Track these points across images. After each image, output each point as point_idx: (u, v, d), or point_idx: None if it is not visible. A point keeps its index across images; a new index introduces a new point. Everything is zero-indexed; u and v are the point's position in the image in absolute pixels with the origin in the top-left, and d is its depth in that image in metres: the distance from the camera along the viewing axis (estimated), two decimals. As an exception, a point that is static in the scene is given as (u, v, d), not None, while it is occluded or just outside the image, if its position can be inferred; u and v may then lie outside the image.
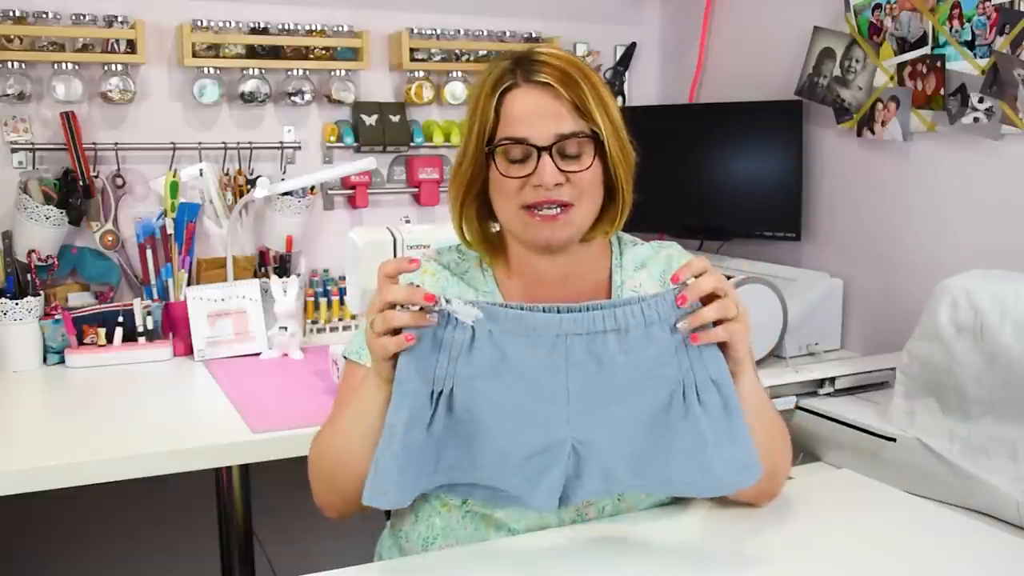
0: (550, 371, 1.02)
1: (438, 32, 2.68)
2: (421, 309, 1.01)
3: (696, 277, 1.04)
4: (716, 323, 1.05)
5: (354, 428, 1.11)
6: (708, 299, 1.05)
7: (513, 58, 1.18)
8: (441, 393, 1.03)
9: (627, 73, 2.93)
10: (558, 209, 1.15)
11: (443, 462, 1.05)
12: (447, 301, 1.01)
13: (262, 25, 2.51)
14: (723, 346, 1.06)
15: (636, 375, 1.02)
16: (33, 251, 2.24)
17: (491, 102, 1.15)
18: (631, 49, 2.92)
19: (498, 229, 1.25)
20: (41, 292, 2.17)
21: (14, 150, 2.29)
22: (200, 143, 2.46)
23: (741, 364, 1.08)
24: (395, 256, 1.84)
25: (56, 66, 2.29)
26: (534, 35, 2.81)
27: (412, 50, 2.63)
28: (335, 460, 1.14)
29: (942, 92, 2.08)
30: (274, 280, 2.26)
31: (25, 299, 2.11)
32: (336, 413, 1.21)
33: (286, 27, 2.53)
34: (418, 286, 1.03)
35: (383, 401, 1.06)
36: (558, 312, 1.02)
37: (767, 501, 1.22)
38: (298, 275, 2.32)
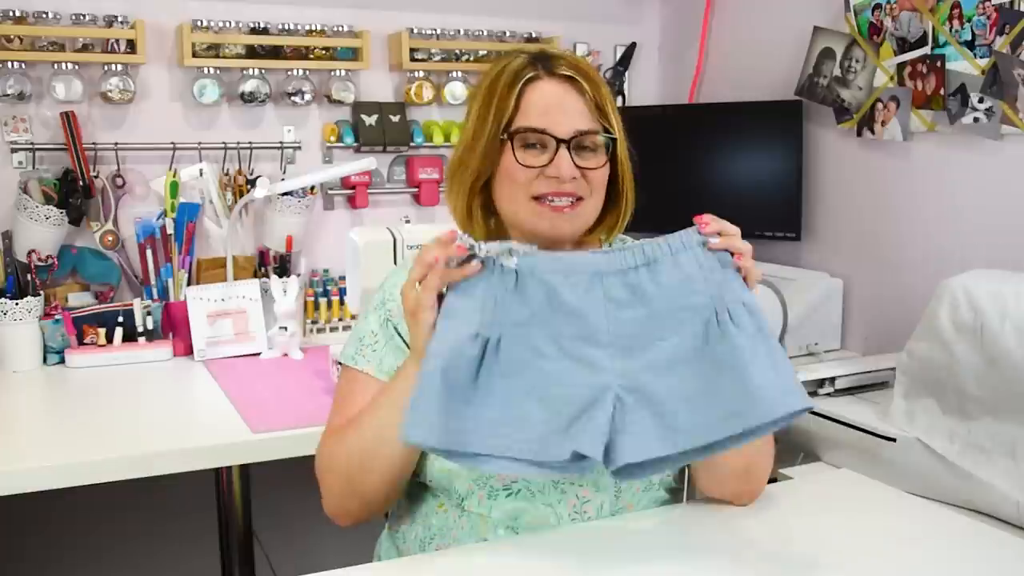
0: (591, 308, 1.05)
1: (438, 32, 2.68)
2: (466, 261, 1.06)
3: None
4: None
5: (388, 420, 1.08)
6: None
7: (529, 54, 1.19)
8: (488, 341, 1.05)
9: (627, 73, 2.92)
10: (569, 201, 1.16)
11: (486, 415, 1.03)
12: (486, 249, 1.06)
13: (262, 25, 2.51)
14: None
15: (670, 305, 1.06)
16: (33, 251, 2.24)
17: (512, 91, 1.16)
18: (631, 49, 2.92)
19: (493, 225, 1.26)
20: (41, 292, 2.18)
21: (14, 150, 2.29)
22: (200, 143, 2.46)
23: None
24: (394, 256, 1.85)
25: (56, 66, 2.29)
26: (534, 35, 2.81)
27: (412, 50, 2.63)
28: (359, 462, 1.12)
29: (942, 92, 2.08)
30: (274, 280, 2.26)
31: (25, 299, 2.11)
32: (338, 419, 1.20)
33: (286, 27, 2.53)
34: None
35: None
36: (592, 254, 1.08)
37: (748, 501, 1.22)
38: (298, 275, 2.32)
